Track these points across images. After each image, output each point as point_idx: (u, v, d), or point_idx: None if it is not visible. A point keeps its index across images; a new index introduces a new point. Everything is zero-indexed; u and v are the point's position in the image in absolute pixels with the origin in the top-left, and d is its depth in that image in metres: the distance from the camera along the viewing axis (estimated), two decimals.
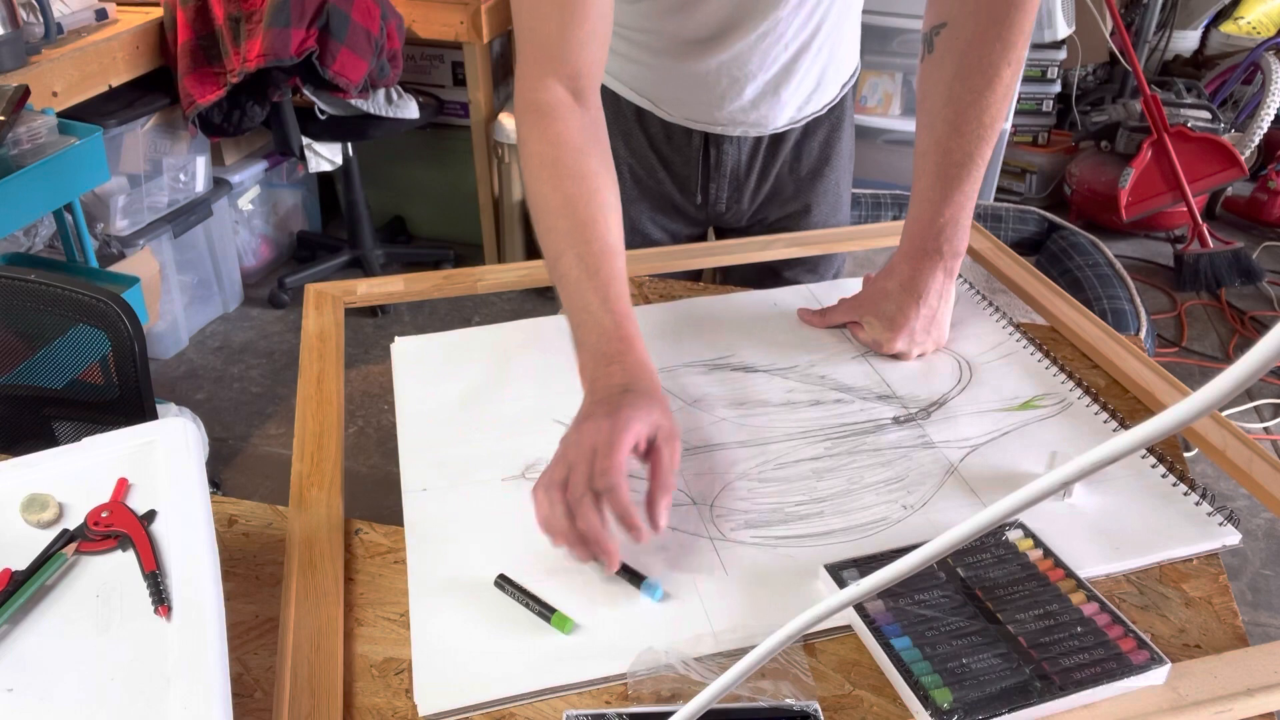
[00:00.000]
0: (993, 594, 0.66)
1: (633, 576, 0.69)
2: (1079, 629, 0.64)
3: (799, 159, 1.18)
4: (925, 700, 0.59)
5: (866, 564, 0.70)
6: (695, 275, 1.24)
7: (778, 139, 1.16)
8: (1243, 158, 2.87)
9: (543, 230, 0.81)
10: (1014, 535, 0.72)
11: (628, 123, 1.17)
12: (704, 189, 1.19)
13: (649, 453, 0.71)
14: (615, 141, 1.15)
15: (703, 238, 1.30)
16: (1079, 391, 0.89)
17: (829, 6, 1.04)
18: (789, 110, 1.13)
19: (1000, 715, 0.58)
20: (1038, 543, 0.71)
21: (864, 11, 1.14)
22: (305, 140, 2.53)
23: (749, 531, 0.74)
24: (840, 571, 0.69)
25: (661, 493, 0.69)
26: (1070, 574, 0.68)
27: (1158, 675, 0.61)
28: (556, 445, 0.72)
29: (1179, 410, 0.27)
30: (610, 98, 1.14)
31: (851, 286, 1.03)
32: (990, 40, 0.83)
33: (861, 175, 2.66)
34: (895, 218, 1.24)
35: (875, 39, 2.71)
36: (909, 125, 2.71)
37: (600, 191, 0.81)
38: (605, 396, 0.72)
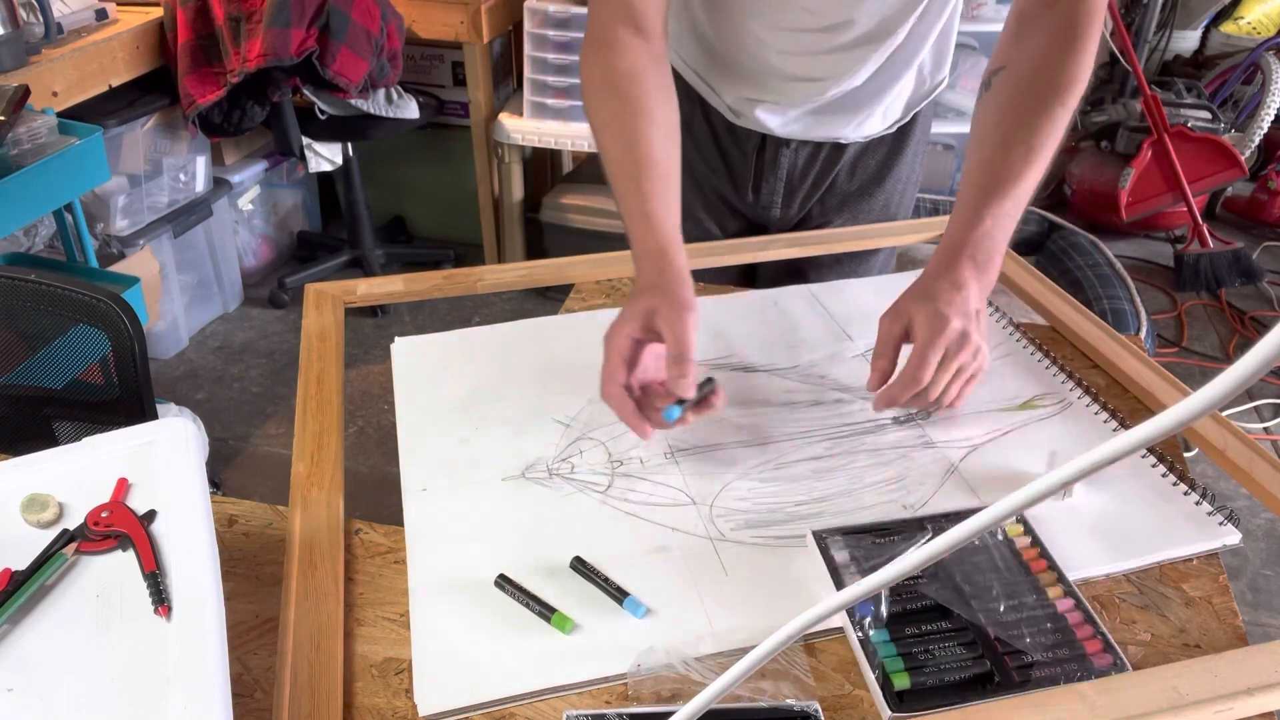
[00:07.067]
0: (972, 579, 0.67)
1: (617, 592, 0.69)
2: (1049, 625, 0.64)
3: (854, 173, 1.17)
4: (883, 683, 0.61)
5: (851, 535, 0.72)
6: (749, 276, 1.24)
7: (839, 148, 1.15)
8: (1243, 158, 2.87)
9: (600, 149, 0.90)
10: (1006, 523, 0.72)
11: (690, 107, 1.15)
12: (756, 187, 1.18)
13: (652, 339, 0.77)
14: None
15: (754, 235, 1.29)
16: (1079, 391, 0.89)
17: (931, 26, 1.03)
18: (864, 129, 1.12)
19: (952, 707, 0.60)
20: (1028, 529, 0.72)
21: None
22: (305, 140, 2.53)
23: (749, 531, 0.74)
24: (825, 539, 0.71)
25: (671, 364, 0.75)
26: (1053, 566, 0.69)
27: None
28: (555, 443, 0.70)
29: (1179, 410, 0.27)
30: (680, 84, 1.13)
31: (851, 287, 1.03)
32: (1045, 82, 0.87)
33: None
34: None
35: None
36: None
37: (651, 110, 0.87)
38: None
